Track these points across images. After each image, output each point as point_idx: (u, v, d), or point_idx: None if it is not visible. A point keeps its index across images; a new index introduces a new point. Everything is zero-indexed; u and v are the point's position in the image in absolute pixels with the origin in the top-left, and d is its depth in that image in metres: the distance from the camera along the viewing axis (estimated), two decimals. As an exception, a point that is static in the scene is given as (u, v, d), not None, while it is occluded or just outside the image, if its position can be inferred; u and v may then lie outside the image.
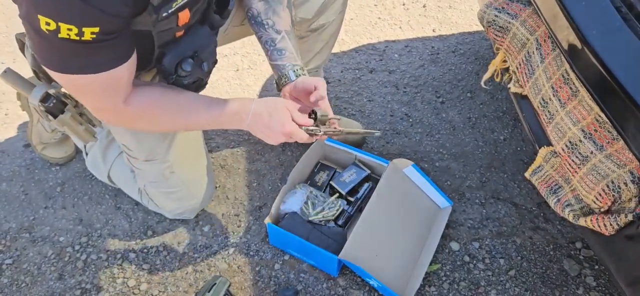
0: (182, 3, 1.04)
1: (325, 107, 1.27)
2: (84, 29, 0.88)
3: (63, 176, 1.75)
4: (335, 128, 1.30)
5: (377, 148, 1.86)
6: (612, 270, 1.18)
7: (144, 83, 1.16)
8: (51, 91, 1.20)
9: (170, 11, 1.03)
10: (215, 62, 1.26)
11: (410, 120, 1.96)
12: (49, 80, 1.26)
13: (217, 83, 2.04)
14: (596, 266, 1.53)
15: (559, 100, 1.19)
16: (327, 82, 2.09)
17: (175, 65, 1.11)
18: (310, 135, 1.24)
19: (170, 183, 1.48)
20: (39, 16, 0.86)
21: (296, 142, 1.23)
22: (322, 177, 1.67)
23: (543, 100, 1.26)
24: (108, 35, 0.92)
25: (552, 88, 1.23)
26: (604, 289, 1.48)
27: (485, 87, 1.64)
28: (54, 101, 1.21)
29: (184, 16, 1.08)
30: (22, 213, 1.65)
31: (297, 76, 1.30)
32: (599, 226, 1.10)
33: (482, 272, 1.53)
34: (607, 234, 1.09)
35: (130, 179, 1.58)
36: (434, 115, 1.98)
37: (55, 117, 1.22)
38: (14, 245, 1.56)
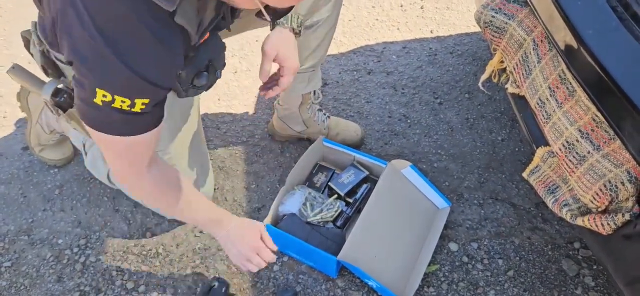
0: (208, 27, 1.07)
1: (284, 84, 1.34)
2: (136, 101, 0.93)
3: (61, 178, 1.75)
4: None
5: (376, 149, 1.86)
6: (610, 269, 1.18)
7: (163, 163, 1.23)
8: (61, 86, 1.22)
9: (198, 43, 1.06)
10: (224, 64, 1.28)
11: (409, 121, 1.96)
12: (58, 75, 1.28)
13: (216, 85, 2.04)
14: (594, 266, 1.53)
15: (556, 100, 1.20)
16: (325, 84, 2.10)
17: (191, 78, 1.14)
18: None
19: None
20: (97, 89, 0.91)
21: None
22: (320, 178, 1.67)
23: (540, 100, 1.26)
24: (154, 105, 0.99)
25: (549, 88, 1.23)
26: (602, 289, 1.48)
27: (482, 88, 1.65)
28: (65, 96, 1.23)
29: (205, 37, 1.11)
30: (20, 215, 1.65)
31: (273, 26, 1.31)
32: (597, 225, 1.10)
33: (480, 272, 1.53)
34: (604, 234, 1.10)
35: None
36: (432, 116, 1.99)
37: (64, 111, 1.24)
38: (13, 248, 1.56)
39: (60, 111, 1.25)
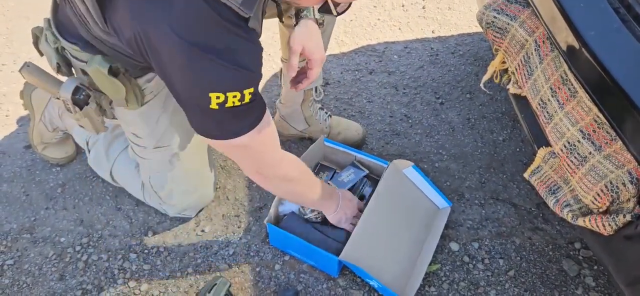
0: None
1: (313, 76, 1.41)
2: (244, 92, 1.02)
3: (64, 177, 1.75)
4: None
5: (377, 149, 1.86)
6: (611, 270, 1.18)
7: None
8: (78, 84, 1.24)
9: None
10: None
11: (410, 121, 1.97)
12: (70, 73, 1.29)
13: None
14: (595, 267, 1.54)
15: (558, 101, 1.20)
16: (327, 83, 2.10)
17: None
18: None
19: (174, 173, 1.49)
20: (211, 94, 1.00)
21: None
22: (322, 177, 1.68)
23: (542, 101, 1.26)
24: (256, 94, 1.07)
25: (551, 89, 1.23)
26: (603, 289, 1.49)
27: (484, 88, 1.65)
28: (83, 93, 1.26)
29: None
30: (23, 214, 1.65)
31: (298, 18, 1.35)
32: (598, 226, 1.10)
33: (481, 272, 1.53)
34: (605, 234, 1.10)
35: (134, 175, 1.59)
36: (433, 116, 1.99)
37: (81, 108, 1.26)
38: (15, 246, 1.57)
39: (77, 109, 1.26)
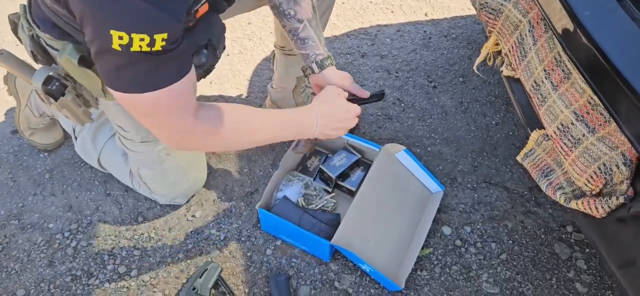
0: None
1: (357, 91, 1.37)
2: (155, 37, 0.89)
3: (52, 162, 1.72)
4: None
5: (369, 133, 1.85)
6: (603, 253, 1.18)
7: (203, 103, 1.15)
8: (52, 73, 1.19)
9: (195, 8, 1.04)
10: (224, 47, 1.26)
11: (402, 104, 1.95)
12: (48, 62, 1.23)
13: (208, 69, 2.02)
14: (587, 250, 1.54)
15: (552, 82, 1.19)
16: (319, 67, 2.07)
17: (191, 55, 1.10)
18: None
19: (165, 166, 1.47)
20: (112, 31, 0.86)
21: None
22: (313, 162, 1.66)
23: (535, 83, 1.25)
24: (173, 44, 0.94)
25: (545, 70, 1.22)
26: (594, 272, 1.49)
27: (477, 72, 1.64)
28: (57, 84, 1.19)
29: (203, 9, 1.09)
30: (10, 200, 1.63)
31: (320, 68, 1.35)
32: (590, 209, 1.10)
33: (473, 256, 1.53)
34: (598, 217, 1.10)
35: (122, 163, 1.56)
36: (426, 99, 1.97)
37: (56, 99, 1.20)
38: (3, 232, 1.55)
39: (51, 100, 1.20)
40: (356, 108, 1.33)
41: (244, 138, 1.22)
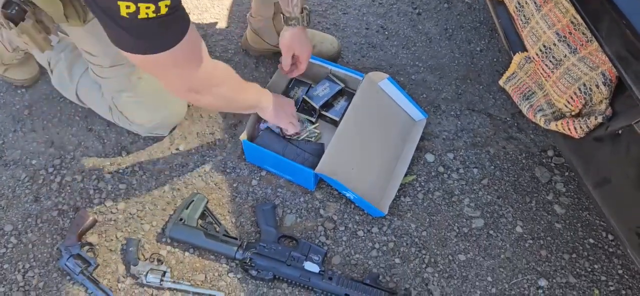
0: None
1: (302, 68, 1.55)
2: (159, 4, 0.94)
3: (30, 98, 1.69)
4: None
5: (353, 62, 1.83)
6: (580, 173, 1.21)
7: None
8: None
9: None
10: None
11: (386, 32, 1.92)
12: None
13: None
14: (566, 173, 1.57)
15: (535, 3, 1.17)
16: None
17: None
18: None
19: (139, 91, 1.45)
20: (119, 2, 0.91)
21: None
22: (297, 92, 1.65)
23: (518, 4, 1.23)
24: (175, 8, 0.99)
25: (529, -9, 1.20)
26: (572, 194, 1.53)
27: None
28: (16, 8, 1.17)
29: None
30: (-10, 137, 1.61)
31: (286, 23, 1.44)
32: (570, 129, 1.11)
33: (455, 182, 1.56)
34: (577, 137, 1.11)
35: (100, 97, 1.54)
36: (410, 27, 1.94)
37: (16, 24, 1.18)
38: (-15, 170, 1.54)
39: (11, 24, 1.18)
40: (295, 114, 1.55)
41: (232, 103, 1.41)
